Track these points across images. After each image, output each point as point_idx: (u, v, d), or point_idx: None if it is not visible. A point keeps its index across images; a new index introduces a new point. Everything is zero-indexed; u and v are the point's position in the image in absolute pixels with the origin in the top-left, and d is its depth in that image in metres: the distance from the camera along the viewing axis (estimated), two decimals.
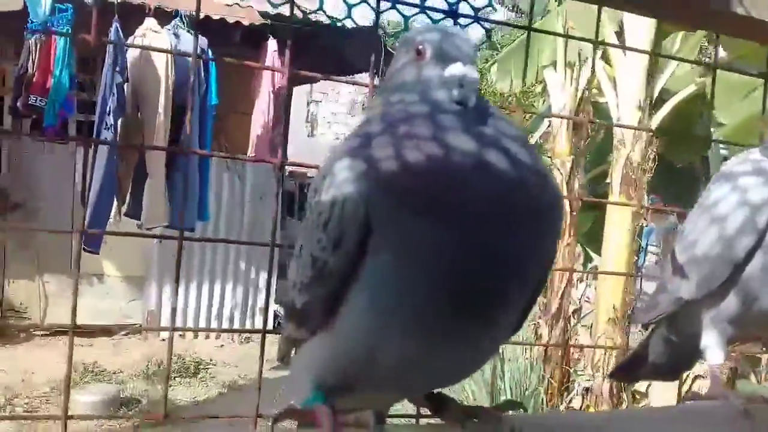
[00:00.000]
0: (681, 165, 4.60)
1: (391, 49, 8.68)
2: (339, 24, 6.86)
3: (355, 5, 1.23)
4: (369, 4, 1.19)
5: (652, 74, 3.75)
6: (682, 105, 3.87)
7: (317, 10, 1.29)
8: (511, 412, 0.85)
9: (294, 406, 0.81)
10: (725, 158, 5.92)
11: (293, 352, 0.92)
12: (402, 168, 0.69)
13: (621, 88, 3.80)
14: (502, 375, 4.19)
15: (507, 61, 5.25)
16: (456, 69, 0.75)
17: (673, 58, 3.06)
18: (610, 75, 3.89)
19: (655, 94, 3.83)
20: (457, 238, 0.68)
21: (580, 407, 3.91)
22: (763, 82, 1.70)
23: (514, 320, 0.78)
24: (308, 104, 16.50)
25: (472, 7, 1.40)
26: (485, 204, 0.68)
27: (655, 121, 3.77)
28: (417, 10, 1.23)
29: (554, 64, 4.50)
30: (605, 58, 3.95)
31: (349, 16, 1.32)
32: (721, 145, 6.14)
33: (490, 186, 0.69)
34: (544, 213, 0.72)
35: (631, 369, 1.45)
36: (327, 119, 17.74)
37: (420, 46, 0.79)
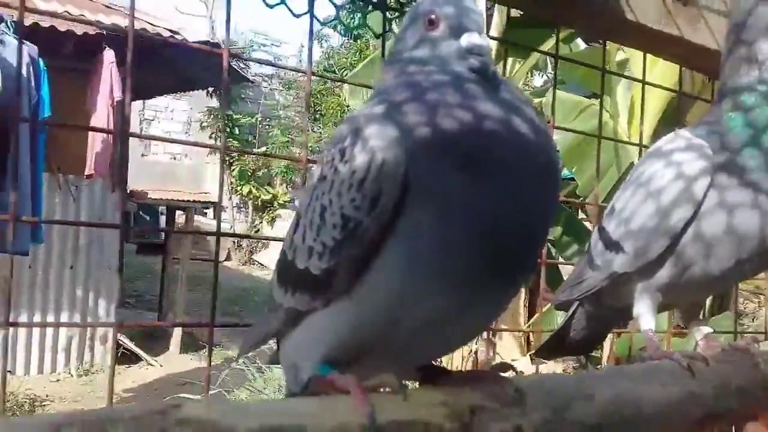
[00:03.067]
0: None
1: (236, 68, 8.51)
2: (181, 38, 6.64)
3: None
4: None
5: None
6: None
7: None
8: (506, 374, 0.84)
9: (320, 376, 0.78)
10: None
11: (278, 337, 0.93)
12: (440, 129, 0.71)
13: None
14: None
15: (362, 76, 5.24)
16: (473, 39, 0.78)
17: (532, 48, 3.25)
18: None
19: None
20: (496, 192, 0.70)
21: None
22: (595, 101, 1.84)
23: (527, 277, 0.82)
24: (141, 122, 15.64)
25: (399, 2, 1.40)
26: (518, 162, 0.72)
27: None
28: None
29: None
30: None
31: (282, 2, 1.29)
32: None
33: (521, 146, 0.73)
34: (558, 171, 0.78)
35: (553, 347, 1.50)
36: None
37: (432, 16, 0.81)
